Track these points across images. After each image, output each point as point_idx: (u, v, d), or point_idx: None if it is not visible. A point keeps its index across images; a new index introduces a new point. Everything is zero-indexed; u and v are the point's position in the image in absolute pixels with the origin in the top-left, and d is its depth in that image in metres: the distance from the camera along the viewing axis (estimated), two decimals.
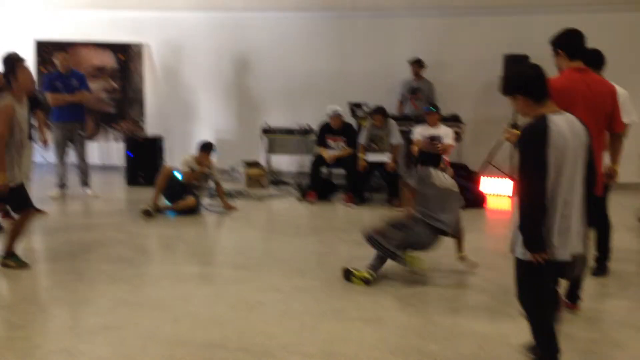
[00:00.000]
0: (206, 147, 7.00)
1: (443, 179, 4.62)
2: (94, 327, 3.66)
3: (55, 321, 3.80)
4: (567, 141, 2.83)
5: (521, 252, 2.92)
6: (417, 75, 8.50)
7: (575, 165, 2.88)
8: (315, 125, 8.35)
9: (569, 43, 3.88)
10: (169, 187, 6.79)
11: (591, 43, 4.62)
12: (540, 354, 3.06)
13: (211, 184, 7.21)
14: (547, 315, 3.01)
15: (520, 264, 2.97)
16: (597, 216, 4.73)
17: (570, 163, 2.85)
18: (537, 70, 2.98)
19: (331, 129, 7.86)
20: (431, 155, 4.81)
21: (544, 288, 2.99)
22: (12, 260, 4.75)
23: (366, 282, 4.44)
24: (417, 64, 8.45)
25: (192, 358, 3.26)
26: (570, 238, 2.88)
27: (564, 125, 2.86)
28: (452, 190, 4.65)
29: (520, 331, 3.63)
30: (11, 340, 3.48)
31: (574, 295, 3.96)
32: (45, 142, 7.09)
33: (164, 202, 6.86)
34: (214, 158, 7.19)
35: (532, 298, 3.01)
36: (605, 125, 3.93)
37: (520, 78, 3.00)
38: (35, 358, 3.27)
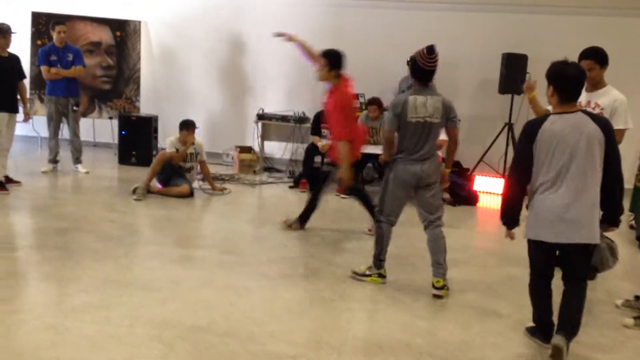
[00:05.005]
0: (186, 125, 6.90)
1: None
2: (80, 305, 3.65)
3: (43, 297, 3.78)
4: (559, 139, 3.13)
5: (524, 232, 3.36)
6: None
7: (574, 160, 3.11)
8: (310, 114, 8.32)
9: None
10: (162, 171, 6.76)
11: (589, 45, 4.62)
12: (534, 319, 3.51)
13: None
14: (539, 286, 3.44)
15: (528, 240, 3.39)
16: None
17: (564, 158, 3.12)
18: (574, 73, 3.19)
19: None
20: None
21: (537, 261, 3.39)
22: None
23: (380, 277, 4.41)
24: None
25: (178, 341, 3.26)
26: (554, 224, 3.17)
27: (564, 125, 3.14)
28: None
29: (506, 329, 3.67)
30: None
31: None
32: (27, 116, 6.97)
33: (156, 184, 6.84)
34: (198, 137, 7.13)
35: (531, 268, 3.45)
36: None
37: (556, 72, 3.20)
38: (21, 332, 3.25)
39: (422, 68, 4.19)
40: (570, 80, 3.18)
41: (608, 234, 3.43)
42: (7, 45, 6.43)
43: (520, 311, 3.91)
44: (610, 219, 3.33)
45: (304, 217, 5.70)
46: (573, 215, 3.14)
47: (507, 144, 8.11)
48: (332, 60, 5.07)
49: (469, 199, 7.38)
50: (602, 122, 3.19)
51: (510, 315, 3.92)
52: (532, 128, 3.21)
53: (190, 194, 6.77)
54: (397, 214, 4.32)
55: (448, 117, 4.24)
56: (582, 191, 3.14)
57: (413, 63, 4.26)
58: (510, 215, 3.37)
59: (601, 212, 3.26)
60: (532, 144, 3.19)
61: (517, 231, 3.45)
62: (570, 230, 3.15)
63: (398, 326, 3.67)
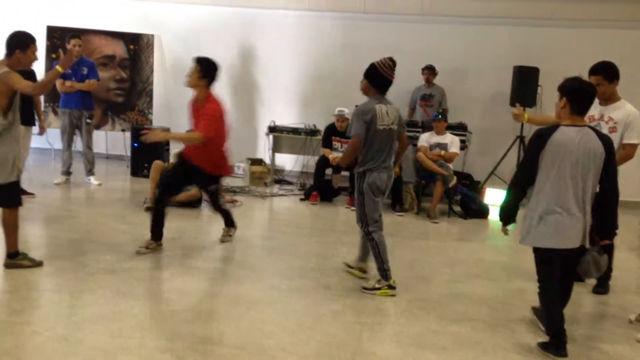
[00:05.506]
0: None
1: None
2: (92, 317, 3.66)
3: (55, 308, 3.80)
4: (567, 149, 3.32)
5: (529, 240, 3.52)
6: (429, 82, 8.49)
7: (577, 170, 3.34)
8: (321, 126, 8.35)
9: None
10: None
11: (601, 58, 4.59)
12: (545, 325, 3.59)
13: None
14: (551, 292, 3.51)
15: (534, 249, 3.56)
16: None
17: (571, 168, 3.33)
18: (588, 89, 3.41)
19: (337, 131, 7.86)
20: None
21: (547, 268, 3.53)
22: (27, 259, 4.47)
23: (390, 288, 4.40)
24: (430, 71, 8.41)
25: (189, 353, 3.26)
26: (563, 230, 3.38)
27: (572, 136, 3.34)
28: None
29: (518, 343, 3.65)
30: (10, 325, 3.48)
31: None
32: (42, 129, 7.00)
33: None
34: None
35: (540, 276, 3.57)
36: None
37: (572, 86, 3.41)
38: (33, 343, 3.27)
39: (386, 78, 4.34)
40: (583, 93, 3.39)
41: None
42: None
43: (532, 325, 3.89)
44: (603, 230, 3.54)
45: (228, 222, 5.65)
46: (574, 222, 3.39)
47: (519, 157, 8.08)
48: (205, 69, 5.09)
49: (480, 212, 7.35)
50: (605, 140, 3.42)
51: (522, 329, 3.88)
52: (542, 137, 3.39)
53: (199, 199, 6.80)
54: (380, 215, 4.44)
55: (400, 124, 4.45)
56: (583, 200, 3.39)
57: (374, 72, 4.35)
58: (508, 216, 3.63)
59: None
60: (540, 152, 3.38)
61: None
62: (573, 237, 3.40)
63: (409, 339, 3.65)
